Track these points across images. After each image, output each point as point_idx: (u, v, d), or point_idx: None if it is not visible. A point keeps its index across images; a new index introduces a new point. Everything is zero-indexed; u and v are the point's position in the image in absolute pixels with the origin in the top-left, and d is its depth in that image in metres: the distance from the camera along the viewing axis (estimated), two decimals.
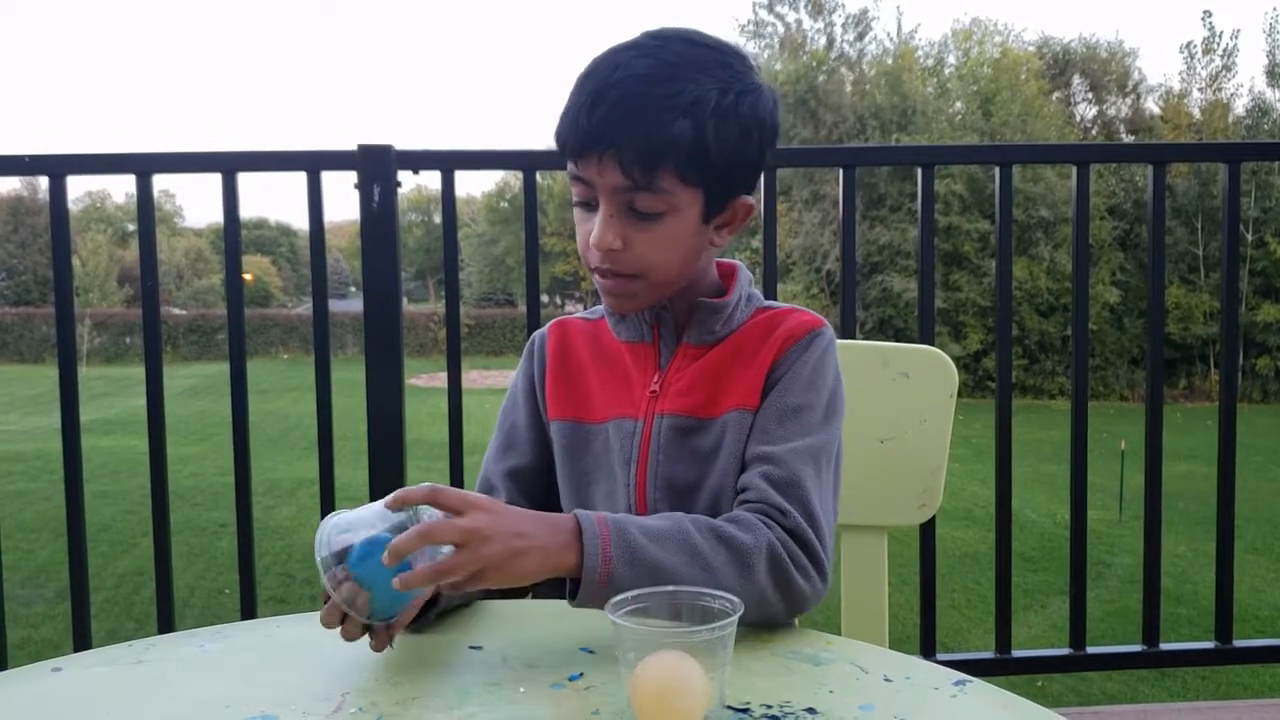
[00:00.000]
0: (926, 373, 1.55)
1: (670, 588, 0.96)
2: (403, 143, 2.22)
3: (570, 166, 1.19)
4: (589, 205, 1.20)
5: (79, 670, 1.03)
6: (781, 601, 1.11)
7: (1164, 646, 2.37)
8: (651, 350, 1.29)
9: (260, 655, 1.07)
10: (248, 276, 48.26)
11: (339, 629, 1.00)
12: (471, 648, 1.05)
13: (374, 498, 2.22)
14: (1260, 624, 6.79)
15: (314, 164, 2.22)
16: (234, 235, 2.25)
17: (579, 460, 1.30)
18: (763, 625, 1.11)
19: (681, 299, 1.28)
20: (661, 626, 0.92)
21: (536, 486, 1.34)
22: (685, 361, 1.27)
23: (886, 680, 0.97)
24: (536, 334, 1.41)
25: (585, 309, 1.45)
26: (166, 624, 2.29)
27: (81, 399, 2.25)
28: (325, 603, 1.00)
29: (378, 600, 0.98)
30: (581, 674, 0.99)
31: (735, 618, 0.89)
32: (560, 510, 1.32)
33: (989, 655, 2.38)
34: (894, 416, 1.53)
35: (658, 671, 0.86)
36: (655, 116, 1.11)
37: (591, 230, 1.19)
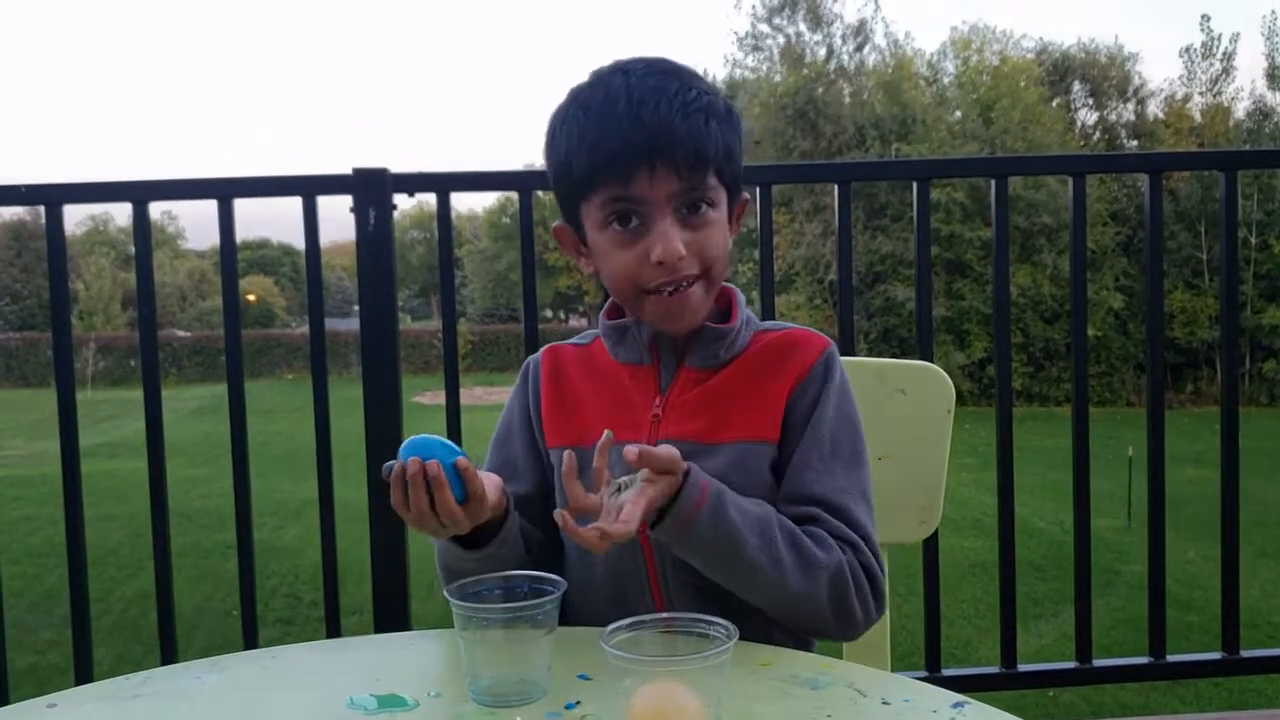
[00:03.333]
0: (923, 389, 1.55)
1: (665, 614, 0.96)
2: (398, 164, 2.22)
3: (612, 191, 1.18)
4: (631, 227, 1.19)
5: (74, 707, 1.03)
6: (835, 620, 1.17)
7: (1170, 658, 2.36)
8: (651, 372, 1.29)
9: (257, 687, 1.07)
10: (250, 297, 48.40)
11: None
12: (467, 674, 1.05)
13: (373, 518, 2.21)
14: (1272, 629, 6.73)
15: (309, 189, 2.23)
16: (230, 260, 2.25)
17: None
18: (807, 631, 1.18)
19: None
20: (656, 655, 0.92)
21: (536, 513, 1.33)
22: (687, 386, 1.27)
23: (884, 704, 0.97)
24: (530, 360, 1.41)
25: (589, 325, 1.45)
26: (170, 653, 2.28)
27: (87, 422, 2.26)
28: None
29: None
30: (578, 702, 0.98)
31: (730, 645, 0.88)
32: (559, 540, 1.33)
33: (995, 670, 2.36)
34: (891, 433, 1.52)
35: (653, 701, 0.86)
36: (694, 119, 1.16)
37: (641, 253, 1.19)
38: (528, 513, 1.33)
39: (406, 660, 1.15)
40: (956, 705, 0.95)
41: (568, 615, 1.30)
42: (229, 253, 2.25)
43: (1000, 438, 2.34)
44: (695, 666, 0.87)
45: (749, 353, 1.29)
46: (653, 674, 0.87)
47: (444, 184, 2.25)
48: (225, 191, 2.21)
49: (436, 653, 1.17)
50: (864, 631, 1.21)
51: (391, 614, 2.27)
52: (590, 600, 1.28)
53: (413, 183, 2.26)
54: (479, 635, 1.00)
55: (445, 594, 1.01)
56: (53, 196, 2.20)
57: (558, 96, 1.24)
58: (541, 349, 1.41)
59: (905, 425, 1.54)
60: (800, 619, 1.17)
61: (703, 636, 0.92)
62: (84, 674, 2.25)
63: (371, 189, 2.20)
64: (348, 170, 2.23)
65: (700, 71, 1.26)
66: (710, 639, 0.92)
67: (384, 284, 2.24)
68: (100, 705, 1.03)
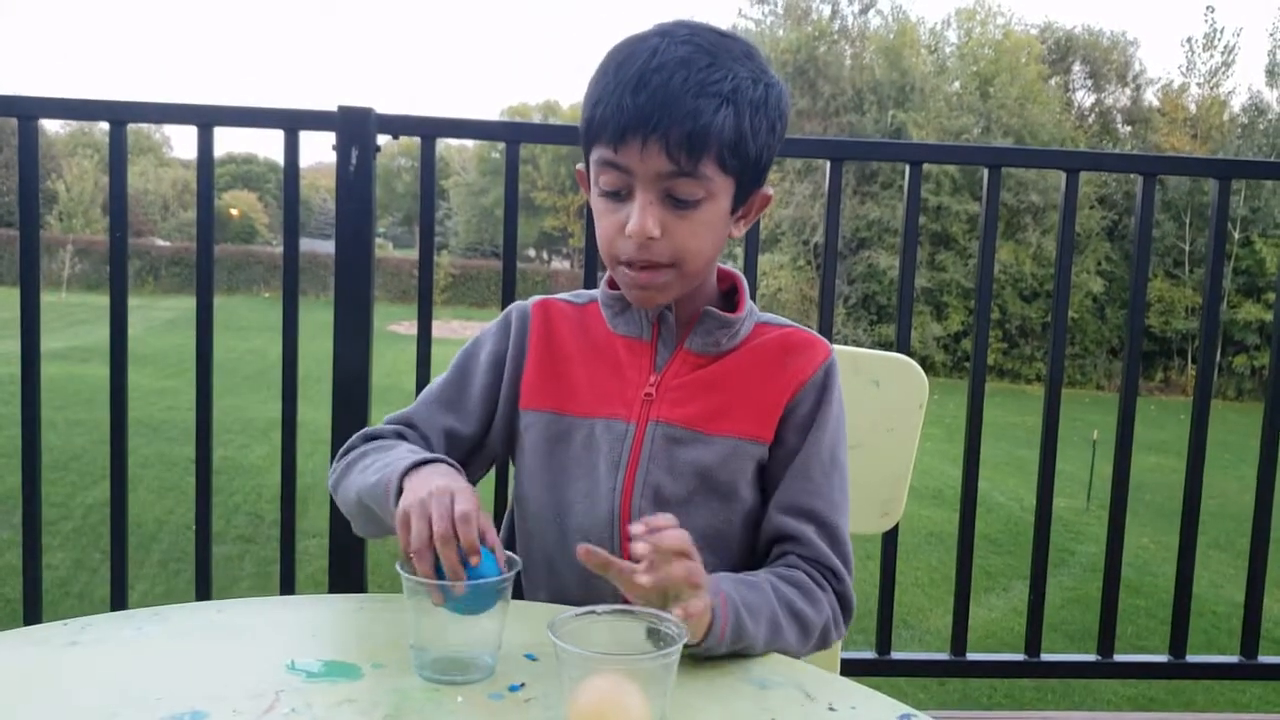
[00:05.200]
0: (897, 382, 1.53)
1: (618, 605, 0.95)
2: (383, 105, 2.17)
3: (603, 153, 1.15)
4: (619, 195, 1.17)
5: (8, 651, 1.01)
6: (812, 651, 1.19)
7: (1118, 658, 2.38)
8: (648, 349, 1.26)
9: (198, 643, 1.05)
10: (234, 212, 47.80)
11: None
12: (413, 647, 1.03)
13: (335, 438, 2.16)
14: (1215, 619, 6.84)
15: (293, 123, 2.16)
16: (207, 187, 2.19)
17: (557, 454, 1.27)
18: None
19: (686, 300, 1.26)
20: (603, 647, 0.90)
21: (465, 454, 1.31)
22: (684, 369, 1.25)
23: (831, 710, 0.96)
24: (517, 307, 1.35)
25: (572, 267, 1.41)
26: (120, 569, 2.26)
27: (60, 325, 2.23)
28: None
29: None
30: (523, 684, 0.97)
31: (680, 645, 0.87)
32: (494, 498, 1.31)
33: (944, 657, 2.38)
34: (861, 424, 1.50)
35: (596, 696, 0.85)
36: (701, 101, 1.10)
37: (620, 221, 1.16)
38: (456, 450, 1.31)
39: (354, 625, 1.13)
40: (904, 717, 0.94)
41: (532, 592, 1.29)
42: (206, 182, 2.19)
43: (969, 429, 2.33)
44: (643, 665, 0.86)
45: (750, 345, 1.27)
46: (598, 669, 0.86)
47: (431, 128, 2.19)
48: (207, 119, 2.15)
49: (385, 619, 1.15)
50: None
51: (349, 540, 2.24)
52: (557, 578, 1.27)
53: (398, 125, 2.20)
54: (428, 608, 0.99)
55: (397, 568, 0.99)
56: (27, 109, 2.14)
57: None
58: (532, 300, 1.36)
59: (876, 417, 1.52)
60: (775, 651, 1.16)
61: (653, 631, 0.91)
62: (33, 580, 2.23)
63: (356, 128, 2.14)
64: (332, 108, 2.18)
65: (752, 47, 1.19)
66: (661, 635, 0.91)
67: (362, 224, 2.19)
68: (35, 650, 1.01)
